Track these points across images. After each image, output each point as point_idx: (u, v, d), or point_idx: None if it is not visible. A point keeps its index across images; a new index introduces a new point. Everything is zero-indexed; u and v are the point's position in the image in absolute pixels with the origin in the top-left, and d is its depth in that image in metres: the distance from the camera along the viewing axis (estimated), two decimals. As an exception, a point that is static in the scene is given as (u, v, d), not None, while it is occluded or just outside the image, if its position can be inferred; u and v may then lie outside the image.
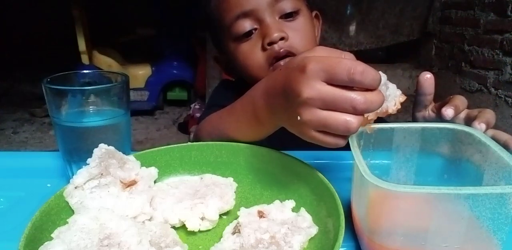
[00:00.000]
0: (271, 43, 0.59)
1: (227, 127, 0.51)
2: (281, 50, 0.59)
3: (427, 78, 0.48)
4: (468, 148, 0.37)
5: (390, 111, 0.38)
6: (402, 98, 0.39)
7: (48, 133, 2.48)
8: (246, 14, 0.60)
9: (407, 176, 0.42)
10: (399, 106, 0.38)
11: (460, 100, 0.46)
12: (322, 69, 0.32)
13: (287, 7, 0.61)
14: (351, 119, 0.32)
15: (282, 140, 0.63)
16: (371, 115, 0.36)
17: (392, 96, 0.38)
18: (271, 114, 0.42)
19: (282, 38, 0.59)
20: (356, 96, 0.32)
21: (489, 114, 0.45)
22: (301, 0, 0.65)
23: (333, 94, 0.32)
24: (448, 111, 0.44)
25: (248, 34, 0.62)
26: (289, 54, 0.60)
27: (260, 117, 0.44)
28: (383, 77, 0.36)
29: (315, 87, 0.33)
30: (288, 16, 0.62)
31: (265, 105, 0.43)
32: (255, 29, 0.61)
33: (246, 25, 0.61)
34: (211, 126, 0.57)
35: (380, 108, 0.34)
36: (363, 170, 0.31)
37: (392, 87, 0.38)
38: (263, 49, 0.61)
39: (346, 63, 0.32)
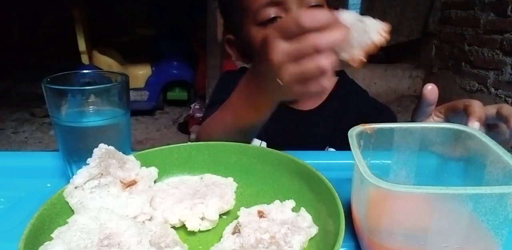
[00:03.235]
0: None
1: (227, 121, 0.53)
2: None
3: (430, 89, 0.49)
4: (468, 148, 0.37)
5: (377, 42, 0.38)
6: (386, 27, 0.39)
7: (48, 133, 2.48)
8: (276, 3, 0.62)
9: (407, 176, 0.42)
10: (387, 36, 0.39)
11: (478, 107, 0.46)
12: (276, 31, 0.36)
13: (313, 0, 0.63)
14: (321, 59, 0.35)
15: (282, 140, 0.63)
16: (357, 52, 0.38)
17: (373, 28, 0.38)
18: (262, 90, 0.45)
19: None
20: (313, 37, 0.34)
21: (492, 109, 0.45)
22: None
23: (294, 46, 0.36)
24: (474, 125, 0.44)
25: (273, 20, 0.63)
26: None
27: (255, 98, 0.47)
28: (350, 14, 0.38)
29: (278, 48, 0.36)
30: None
31: (255, 86, 0.45)
32: (280, 17, 0.63)
33: (273, 12, 0.63)
34: (211, 126, 0.58)
35: (365, 42, 0.37)
36: (363, 170, 0.31)
37: (370, 21, 0.39)
38: None
39: (293, 17, 0.35)
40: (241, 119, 0.51)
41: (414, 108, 0.53)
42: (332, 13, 0.35)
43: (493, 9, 2.01)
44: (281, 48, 0.36)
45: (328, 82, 0.37)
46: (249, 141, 0.58)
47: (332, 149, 0.72)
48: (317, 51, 0.35)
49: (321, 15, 0.35)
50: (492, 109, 0.46)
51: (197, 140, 0.61)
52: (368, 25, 0.38)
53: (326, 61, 0.35)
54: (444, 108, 0.52)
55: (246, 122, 0.51)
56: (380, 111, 0.78)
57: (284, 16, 0.63)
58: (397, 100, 2.71)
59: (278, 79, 0.38)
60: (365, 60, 0.38)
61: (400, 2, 2.52)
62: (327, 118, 0.75)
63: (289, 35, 0.36)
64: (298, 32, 0.35)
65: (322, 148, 0.73)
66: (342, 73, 0.83)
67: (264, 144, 0.73)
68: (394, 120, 0.77)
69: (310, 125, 0.76)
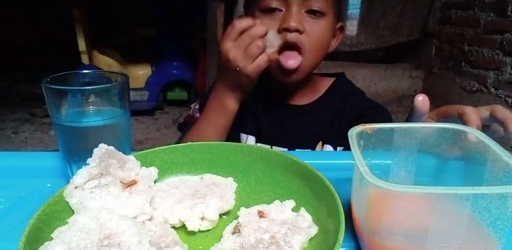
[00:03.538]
0: (286, 29, 0.64)
1: (202, 127, 0.67)
2: (291, 40, 0.64)
3: (421, 100, 0.48)
4: (468, 148, 0.37)
5: (282, 42, 0.62)
6: (281, 38, 0.63)
7: (48, 133, 2.48)
8: None
9: (407, 176, 0.42)
10: (283, 39, 0.63)
11: (473, 115, 0.45)
12: (225, 38, 0.59)
13: (315, 5, 0.65)
14: (257, 42, 0.58)
15: (273, 134, 0.63)
16: (275, 47, 0.61)
17: (276, 38, 0.62)
18: (231, 84, 0.64)
19: (297, 30, 0.63)
20: (247, 32, 0.58)
21: (482, 113, 0.46)
22: (332, 7, 0.68)
23: (238, 42, 0.59)
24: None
25: (272, 10, 0.66)
26: (296, 46, 0.64)
27: (223, 99, 0.65)
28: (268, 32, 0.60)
29: (229, 49, 0.59)
30: (313, 13, 0.66)
31: (225, 84, 0.64)
32: (280, 10, 0.66)
33: (274, 4, 0.66)
34: (189, 136, 0.68)
35: (277, 41, 0.61)
36: (363, 170, 0.31)
37: (274, 33, 0.62)
38: (278, 31, 0.65)
39: (230, 26, 0.59)
40: (214, 120, 0.66)
41: (406, 119, 0.53)
42: (253, 21, 0.59)
43: (493, 9, 2.01)
44: (230, 46, 0.59)
45: (266, 56, 0.60)
46: (223, 139, 0.68)
47: (327, 145, 0.73)
48: (251, 38, 0.58)
49: (246, 20, 0.58)
50: (485, 112, 0.46)
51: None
52: (272, 36, 0.61)
53: (260, 43, 0.58)
54: (436, 115, 0.51)
55: (219, 122, 0.66)
56: (375, 110, 0.78)
57: (284, 10, 0.66)
58: (397, 101, 2.71)
59: (237, 68, 0.59)
60: (277, 53, 0.62)
61: (400, 2, 2.52)
62: (322, 116, 0.76)
63: (232, 37, 0.59)
64: (236, 33, 0.58)
65: (313, 144, 0.74)
66: (341, 74, 0.83)
67: (251, 139, 0.73)
68: (389, 120, 0.77)
69: (303, 120, 0.76)
